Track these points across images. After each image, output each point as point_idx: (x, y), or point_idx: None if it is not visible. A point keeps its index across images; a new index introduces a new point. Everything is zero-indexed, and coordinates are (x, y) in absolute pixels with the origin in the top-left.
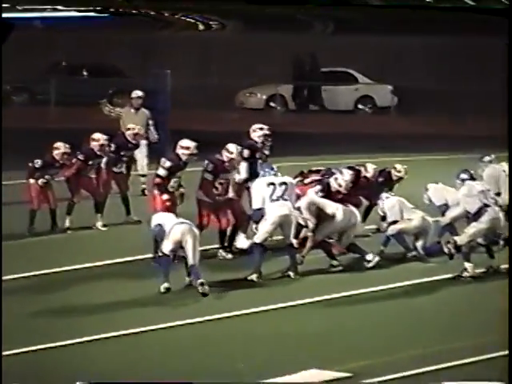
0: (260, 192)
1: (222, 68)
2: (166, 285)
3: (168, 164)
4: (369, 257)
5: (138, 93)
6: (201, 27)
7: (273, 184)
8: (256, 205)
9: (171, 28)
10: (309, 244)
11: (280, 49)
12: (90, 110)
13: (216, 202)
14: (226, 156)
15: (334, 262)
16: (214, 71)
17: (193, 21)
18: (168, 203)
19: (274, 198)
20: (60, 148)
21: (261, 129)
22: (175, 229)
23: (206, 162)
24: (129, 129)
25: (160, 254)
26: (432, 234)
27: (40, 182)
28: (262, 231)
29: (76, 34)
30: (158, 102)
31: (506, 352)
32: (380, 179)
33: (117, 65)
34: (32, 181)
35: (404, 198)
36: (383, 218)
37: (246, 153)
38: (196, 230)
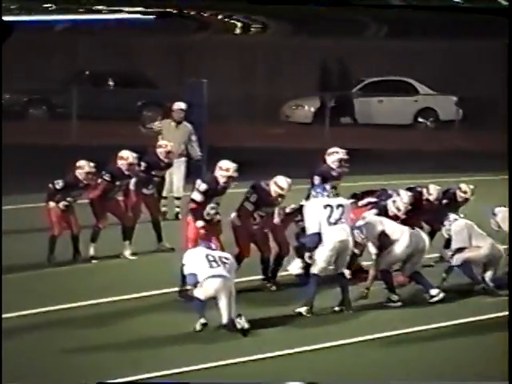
0: (316, 215)
1: (266, 77)
2: (202, 320)
3: (204, 187)
4: (433, 292)
5: (180, 105)
6: (240, 30)
7: (330, 206)
8: (312, 229)
9: (208, 32)
10: (372, 273)
11: (330, 55)
12: (116, 124)
13: (255, 229)
14: (274, 190)
15: (394, 297)
16: (256, 80)
17: (231, 22)
18: (202, 231)
19: (332, 222)
20: (83, 167)
21: (336, 152)
22: (208, 283)
23: (250, 190)
24: (161, 146)
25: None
26: (503, 263)
27: (61, 205)
28: (321, 260)
29: (100, 39)
30: (192, 114)
31: None
32: (444, 201)
33: (146, 74)
34: (52, 204)
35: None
36: (447, 245)
37: (317, 180)
38: (231, 285)
